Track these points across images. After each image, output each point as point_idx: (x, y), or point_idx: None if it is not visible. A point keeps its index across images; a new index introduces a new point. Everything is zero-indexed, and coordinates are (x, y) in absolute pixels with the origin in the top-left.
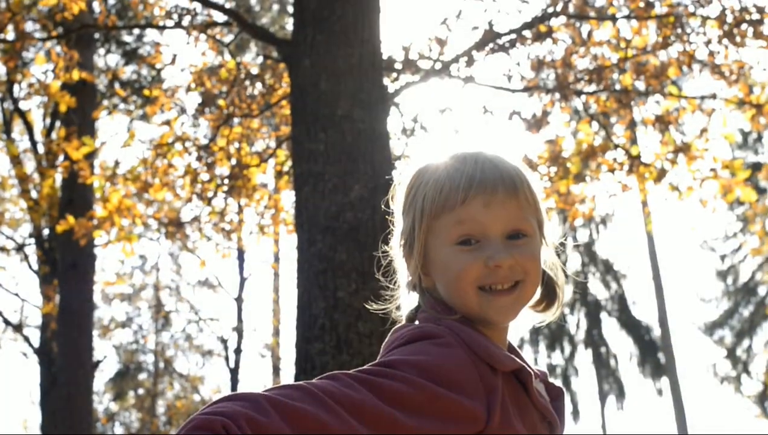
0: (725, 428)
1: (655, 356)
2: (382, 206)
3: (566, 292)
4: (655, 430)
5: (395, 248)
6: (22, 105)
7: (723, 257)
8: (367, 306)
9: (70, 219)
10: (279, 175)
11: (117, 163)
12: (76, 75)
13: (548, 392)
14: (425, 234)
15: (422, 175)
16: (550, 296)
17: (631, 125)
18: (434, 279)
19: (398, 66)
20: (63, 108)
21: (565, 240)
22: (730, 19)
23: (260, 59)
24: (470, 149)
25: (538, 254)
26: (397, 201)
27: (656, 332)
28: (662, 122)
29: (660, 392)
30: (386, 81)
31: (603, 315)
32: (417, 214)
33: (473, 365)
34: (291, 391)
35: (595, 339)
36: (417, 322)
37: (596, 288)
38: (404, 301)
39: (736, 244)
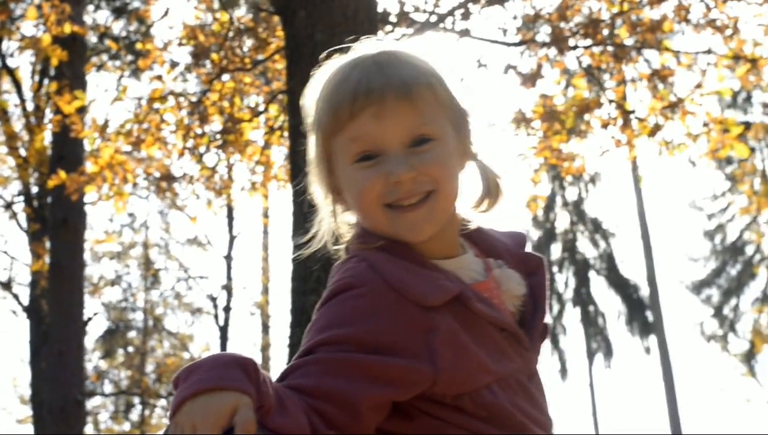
0: (712, 386)
1: (643, 315)
2: None
3: (506, 186)
4: (643, 388)
5: (312, 173)
6: (10, 62)
7: (711, 216)
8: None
9: (62, 174)
10: (271, 130)
11: (107, 120)
12: (68, 28)
13: (526, 266)
14: (328, 154)
15: (319, 89)
16: (491, 194)
17: (622, 81)
18: (347, 202)
19: (393, 19)
20: (55, 62)
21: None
22: None
23: (251, 15)
24: (368, 49)
25: (448, 158)
26: (306, 117)
27: (644, 291)
28: (658, 77)
29: (648, 350)
30: (381, 34)
31: (591, 273)
32: (317, 134)
33: (400, 310)
34: None
35: (583, 297)
36: (341, 259)
37: (585, 246)
38: (340, 230)
39: (724, 203)
